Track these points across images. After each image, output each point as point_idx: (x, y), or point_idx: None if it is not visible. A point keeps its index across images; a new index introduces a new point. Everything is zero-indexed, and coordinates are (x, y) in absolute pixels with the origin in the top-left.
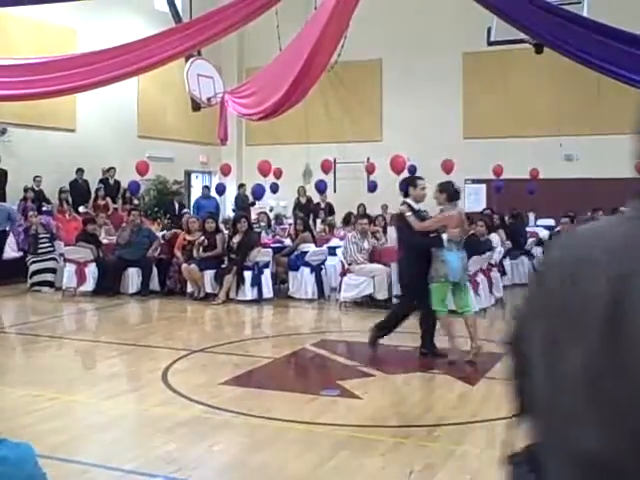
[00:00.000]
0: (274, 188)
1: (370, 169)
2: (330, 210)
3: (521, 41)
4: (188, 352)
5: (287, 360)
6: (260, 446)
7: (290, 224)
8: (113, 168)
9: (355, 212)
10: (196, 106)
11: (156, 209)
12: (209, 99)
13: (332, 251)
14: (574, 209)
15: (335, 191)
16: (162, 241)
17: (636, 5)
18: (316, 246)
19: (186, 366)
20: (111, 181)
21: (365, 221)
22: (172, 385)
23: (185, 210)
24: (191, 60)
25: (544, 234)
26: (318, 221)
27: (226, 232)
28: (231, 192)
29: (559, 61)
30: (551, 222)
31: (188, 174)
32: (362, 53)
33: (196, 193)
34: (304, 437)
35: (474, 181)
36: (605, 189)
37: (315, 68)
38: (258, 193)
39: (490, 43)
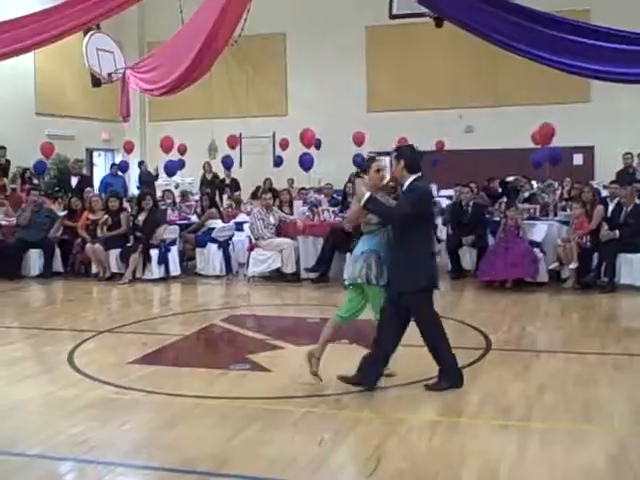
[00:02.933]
0: (179, 165)
1: (284, 145)
2: (236, 186)
3: (422, 15)
4: (95, 333)
5: (196, 337)
6: (171, 423)
7: (196, 201)
8: (3, 148)
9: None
10: (96, 82)
11: (57, 189)
12: (110, 74)
13: (239, 227)
14: (474, 179)
15: (241, 166)
16: (65, 221)
17: None
18: (223, 222)
19: (93, 347)
20: (2, 160)
21: (269, 196)
22: (79, 367)
23: (88, 189)
24: (90, 34)
25: (446, 203)
26: (225, 197)
27: (130, 210)
28: (135, 170)
29: (459, 35)
30: (451, 192)
31: (90, 152)
32: (266, 27)
33: (99, 172)
34: (215, 412)
35: (380, 154)
36: (504, 159)
37: (217, 43)
38: (170, 169)
39: (392, 17)
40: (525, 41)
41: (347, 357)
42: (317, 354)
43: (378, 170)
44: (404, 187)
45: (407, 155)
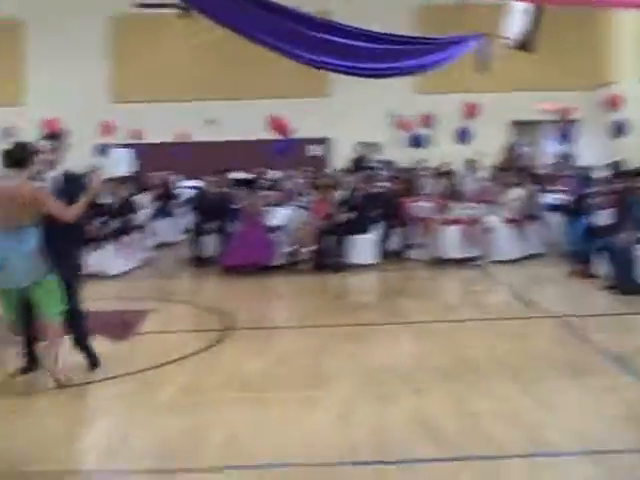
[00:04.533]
0: None
1: (11, 132)
2: None
3: (167, 5)
4: None
5: None
6: None
7: None
8: None
9: None
10: None
11: None
12: None
13: None
14: (217, 170)
15: None
16: None
17: None
18: None
19: None
20: None
21: None
22: None
23: None
24: None
25: (190, 193)
26: None
27: None
28: None
29: (203, 28)
30: (196, 183)
31: None
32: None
33: None
34: None
35: (126, 145)
36: (248, 150)
37: None
38: None
39: (139, 5)
40: (270, 34)
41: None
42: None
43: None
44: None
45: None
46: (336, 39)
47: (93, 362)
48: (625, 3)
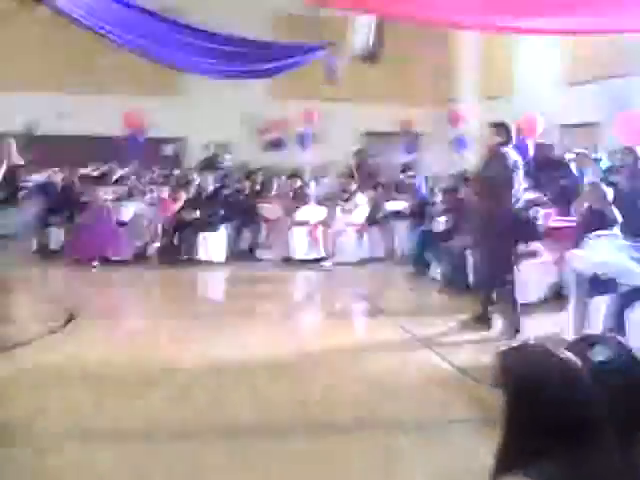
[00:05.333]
0: None
1: None
2: None
3: None
4: None
5: None
6: None
7: None
8: None
9: None
10: None
11: None
12: None
13: None
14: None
15: None
16: None
17: None
18: None
19: None
20: None
21: None
22: None
23: None
24: None
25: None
26: None
27: None
28: None
29: (48, 17)
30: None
31: None
32: None
33: None
34: None
35: None
36: (99, 145)
37: None
38: None
39: None
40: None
41: None
42: None
43: None
44: None
45: None
46: (193, 40)
47: None
48: (462, 24)
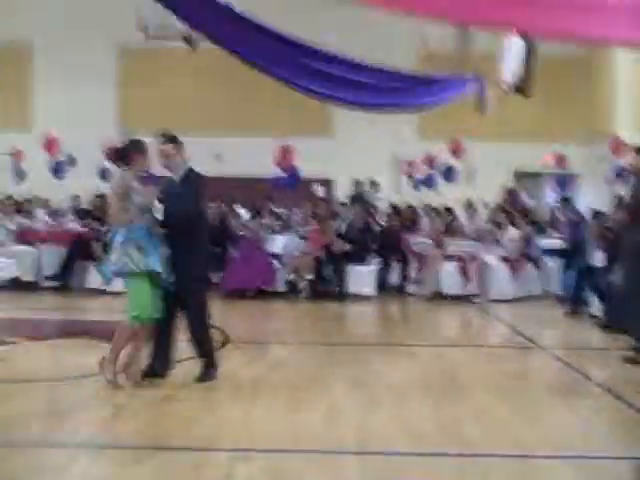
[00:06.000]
0: None
1: (18, 156)
2: None
3: (173, 38)
4: None
5: None
6: None
7: None
8: None
9: None
10: None
11: None
12: None
13: None
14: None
15: None
16: None
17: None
18: None
19: None
20: None
21: (12, 201)
22: None
23: None
24: None
25: None
26: None
27: None
28: None
29: (210, 60)
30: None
31: None
32: (11, 36)
33: None
34: None
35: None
36: (250, 185)
37: None
38: None
39: (147, 37)
40: (275, 63)
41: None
42: (110, 362)
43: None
44: (180, 176)
45: (178, 140)
46: (339, 72)
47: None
48: (619, 40)
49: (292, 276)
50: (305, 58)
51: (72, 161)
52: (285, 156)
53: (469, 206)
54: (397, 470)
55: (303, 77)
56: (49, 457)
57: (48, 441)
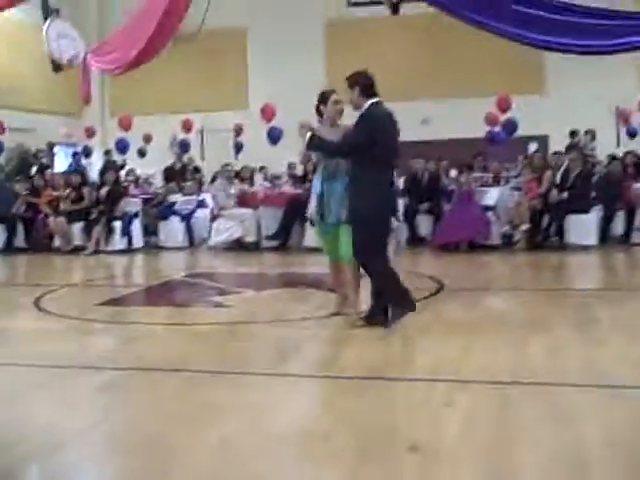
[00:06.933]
0: (142, 152)
1: (238, 131)
2: (196, 169)
3: (379, 2)
4: (58, 287)
5: (158, 287)
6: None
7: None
8: None
9: None
10: (56, 67)
11: (17, 178)
12: (70, 60)
13: (201, 203)
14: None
15: (203, 159)
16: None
17: None
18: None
19: (59, 295)
20: None
21: (230, 167)
22: (45, 308)
23: (49, 170)
24: (49, 20)
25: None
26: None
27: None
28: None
29: (414, 25)
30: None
31: (51, 146)
32: (227, 21)
33: (60, 165)
34: (183, 334)
35: None
36: (459, 148)
37: (168, 26)
38: (121, 147)
39: (350, 4)
40: (477, 11)
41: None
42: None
43: (336, 102)
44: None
45: (360, 80)
46: (547, 14)
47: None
48: None
49: (507, 227)
50: (517, 4)
51: (285, 132)
52: (503, 104)
53: None
54: (624, 404)
55: (515, 24)
56: (276, 385)
57: (276, 371)
